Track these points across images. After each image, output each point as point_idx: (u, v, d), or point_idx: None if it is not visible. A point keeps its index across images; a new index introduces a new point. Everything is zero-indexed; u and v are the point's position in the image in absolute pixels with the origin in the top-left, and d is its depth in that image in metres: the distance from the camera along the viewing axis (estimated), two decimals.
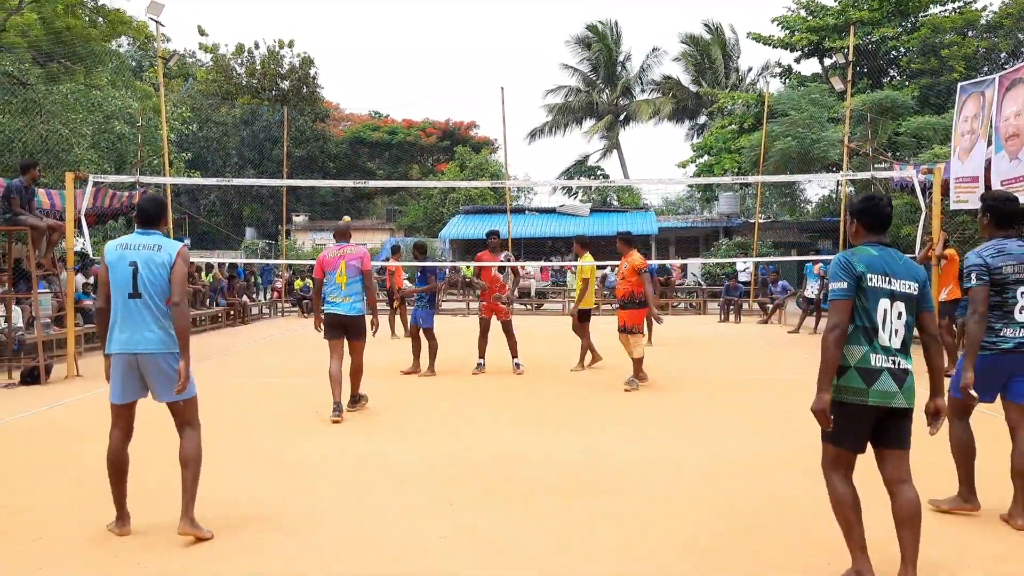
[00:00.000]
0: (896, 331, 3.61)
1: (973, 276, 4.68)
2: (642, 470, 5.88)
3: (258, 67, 44.39)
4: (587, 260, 11.32)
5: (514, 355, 10.97)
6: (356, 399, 8.17)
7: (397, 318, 16.16)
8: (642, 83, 47.35)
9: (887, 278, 3.61)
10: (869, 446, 3.77)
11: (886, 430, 3.69)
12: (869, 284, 3.59)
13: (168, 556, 4.23)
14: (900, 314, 3.62)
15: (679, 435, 7.13)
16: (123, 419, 4.61)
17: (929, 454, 5.78)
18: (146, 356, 4.42)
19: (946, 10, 27.53)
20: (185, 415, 4.60)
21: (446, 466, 6.00)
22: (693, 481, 5.59)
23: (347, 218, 11.84)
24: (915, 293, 3.66)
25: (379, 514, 4.90)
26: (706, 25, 43.47)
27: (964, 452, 4.85)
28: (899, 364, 3.60)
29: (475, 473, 5.81)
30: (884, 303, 3.59)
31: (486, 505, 5.08)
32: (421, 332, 10.96)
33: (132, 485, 4.69)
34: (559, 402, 8.86)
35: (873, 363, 3.57)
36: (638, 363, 9.65)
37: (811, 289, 17.88)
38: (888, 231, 3.79)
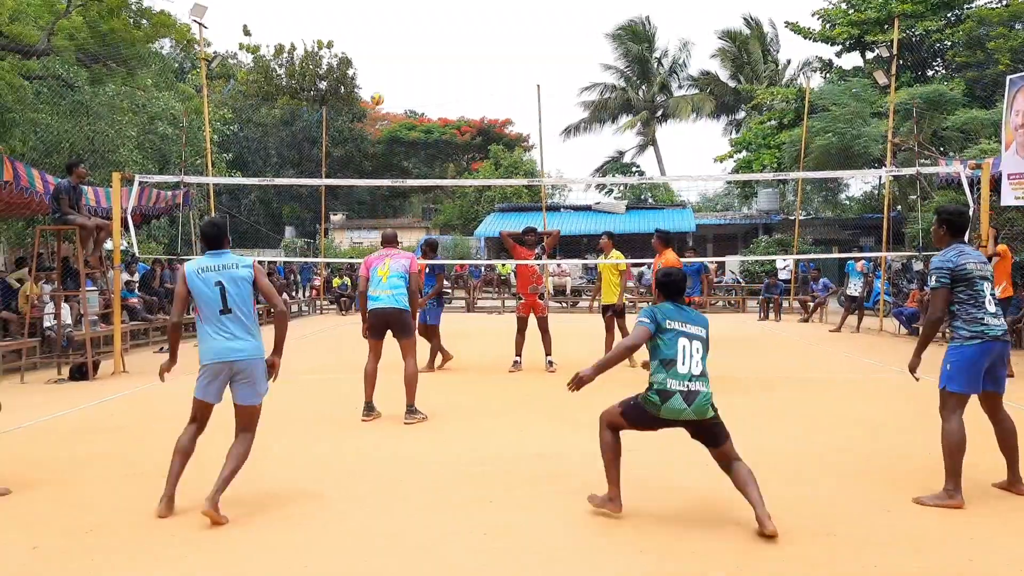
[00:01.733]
0: (696, 363, 4.67)
1: (934, 278, 5.12)
2: (687, 469, 5.86)
3: (297, 68, 44.81)
4: (617, 257, 11.33)
5: (548, 352, 10.95)
6: (412, 411, 7.59)
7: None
8: (679, 79, 47.03)
9: (683, 324, 4.74)
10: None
11: (704, 435, 4.76)
12: (668, 327, 4.70)
13: (213, 549, 4.31)
14: (698, 349, 4.71)
15: None
16: (201, 414, 5.05)
17: (921, 458, 5.71)
18: (242, 363, 4.91)
19: (991, 2, 26.97)
20: (248, 419, 5.04)
21: (480, 464, 6.02)
22: (728, 481, 5.54)
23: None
24: (704, 336, 4.80)
25: (415, 511, 4.94)
26: (745, 19, 43.07)
27: (955, 447, 5.00)
28: (691, 387, 4.61)
29: (508, 471, 5.84)
30: (683, 341, 4.69)
31: (521, 503, 5.10)
32: (427, 329, 10.90)
33: (197, 481, 4.78)
34: (594, 401, 8.82)
35: (668, 386, 4.61)
36: None
37: (854, 287, 17.62)
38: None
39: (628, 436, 6.95)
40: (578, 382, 4.87)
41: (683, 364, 4.63)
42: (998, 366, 5.09)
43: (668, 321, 4.71)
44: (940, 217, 5.35)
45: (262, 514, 4.86)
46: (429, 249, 11.63)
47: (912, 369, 5.32)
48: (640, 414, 4.80)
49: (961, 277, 5.04)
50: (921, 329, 5.26)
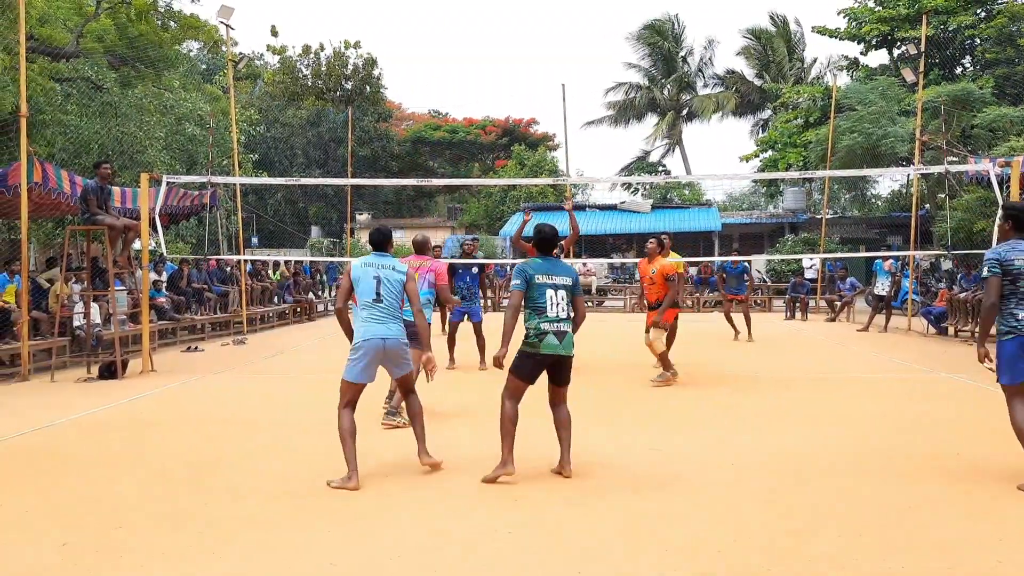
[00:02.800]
0: (561, 308, 5.57)
1: (986, 269, 5.45)
2: (711, 468, 5.84)
3: (323, 68, 45.03)
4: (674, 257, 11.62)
5: None
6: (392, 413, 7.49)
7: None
8: (704, 78, 46.77)
9: (549, 276, 5.62)
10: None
11: (555, 373, 5.67)
12: (537, 281, 5.58)
13: (244, 546, 4.34)
14: (563, 297, 5.59)
15: (747, 433, 7.05)
16: (353, 395, 5.77)
17: (948, 457, 5.65)
18: (391, 342, 5.73)
19: None
20: (408, 384, 5.98)
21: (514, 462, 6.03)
22: (761, 479, 5.52)
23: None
24: (570, 284, 5.67)
25: (445, 507, 4.96)
26: (771, 18, 42.72)
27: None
28: (560, 328, 5.56)
29: (541, 469, 5.84)
30: (549, 292, 5.58)
31: (555, 501, 5.09)
32: (477, 327, 11.48)
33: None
34: (625, 399, 8.83)
35: (543, 328, 5.53)
36: (662, 357, 9.76)
37: (881, 286, 17.44)
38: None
39: (651, 435, 6.95)
40: (497, 361, 5.56)
41: (551, 310, 5.57)
42: None
43: (537, 276, 5.62)
44: (1007, 212, 5.63)
45: (295, 510, 4.90)
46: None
47: (980, 359, 5.61)
48: (523, 363, 5.65)
49: (1007, 271, 5.33)
50: (981, 317, 5.64)
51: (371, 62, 45.31)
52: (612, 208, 36.21)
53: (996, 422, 7.05)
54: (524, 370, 5.64)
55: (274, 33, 43.36)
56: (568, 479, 5.57)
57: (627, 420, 7.69)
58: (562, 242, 11.33)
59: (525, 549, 4.28)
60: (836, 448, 6.45)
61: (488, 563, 4.11)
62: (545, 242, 5.88)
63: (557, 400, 5.78)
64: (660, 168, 46.82)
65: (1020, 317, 5.26)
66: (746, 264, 16.02)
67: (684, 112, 46.77)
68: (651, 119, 47.09)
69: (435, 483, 5.52)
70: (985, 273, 5.46)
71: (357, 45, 44.95)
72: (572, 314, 5.68)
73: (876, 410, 8.08)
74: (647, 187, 41.71)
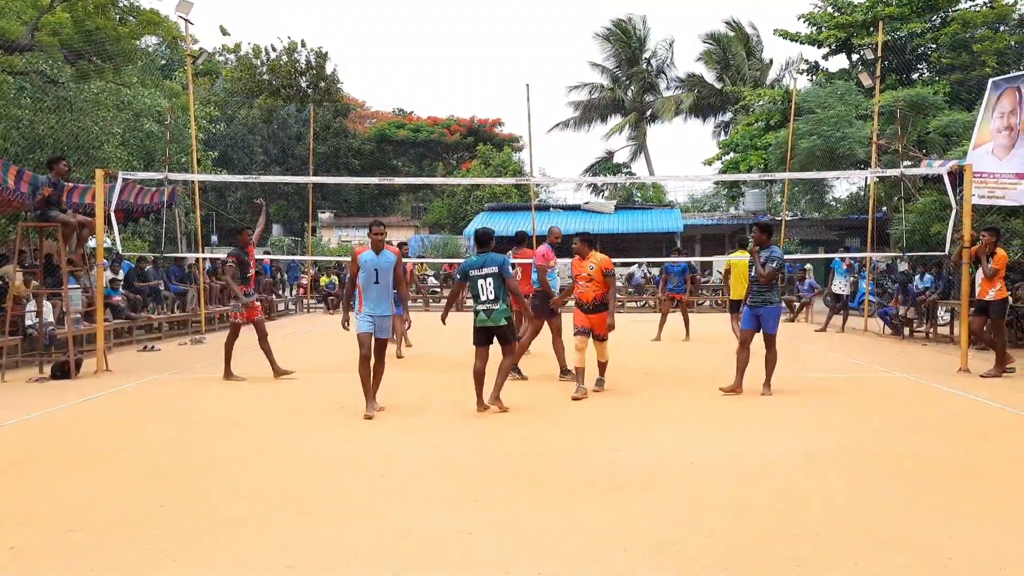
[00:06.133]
0: (490, 293, 7.73)
1: (775, 263, 8.82)
2: (670, 468, 5.85)
3: (279, 65, 44.64)
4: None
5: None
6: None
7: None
8: (667, 80, 47.18)
9: (481, 269, 7.79)
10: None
11: (502, 337, 7.91)
12: (472, 274, 7.83)
13: (198, 551, 4.27)
14: (490, 283, 7.72)
15: (706, 433, 7.09)
16: (368, 345, 7.78)
17: (900, 458, 5.74)
18: (383, 318, 7.92)
19: (977, 4, 27.10)
20: (382, 349, 7.98)
21: (471, 462, 6.01)
22: (720, 479, 5.55)
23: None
24: (497, 271, 7.73)
25: (408, 508, 4.92)
26: (727, 23, 43.32)
27: (745, 362, 9.16)
28: (488, 307, 7.76)
29: (507, 469, 5.83)
30: (481, 282, 7.77)
31: (518, 501, 5.08)
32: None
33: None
34: (592, 401, 8.82)
35: (478, 309, 7.83)
36: (604, 366, 9.38)
37: (838, 286, 17.70)
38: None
39: (611, 435, 6.98)
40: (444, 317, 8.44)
41: (482, 295, 7.75)
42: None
43: (471, 271, 7.83)
44: (759, 227, 9.15)
45: (254, 513, 4.83)
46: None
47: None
48: (474, 333, 7.89)
49: (782, 265, 8.99)
50: (764, 278, 8.91)
51: (322, 56, 44.94)
52: (576, 208, 36.35)
53: (949, 421, 7.19)
54: (475, 339, 7.90)
55: (224, 32, 42.84)
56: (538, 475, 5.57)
57: (586, 419, 7.70)
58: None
59: (488, 549, 4.26)
60: (794, 448, 6.51)
61: (451, 564, 4.08)
62: (480, 240, 7.99)
63: (502, 354, 7.99)
64: (624, 170, 47.13)
65: (783, 295, 8.00)
66: (687, 264, 16.30)
67: (647, 113, 47.14)
68: (615, 120, 47.40)
69: (395, 483, 5.47)
70: (775, 265, 8.78)
71: (303, 44, 44.60)
72: (500, 295, 7.70)
73: (833, 410, 8.18)
74: (611, 187, 41.96)
